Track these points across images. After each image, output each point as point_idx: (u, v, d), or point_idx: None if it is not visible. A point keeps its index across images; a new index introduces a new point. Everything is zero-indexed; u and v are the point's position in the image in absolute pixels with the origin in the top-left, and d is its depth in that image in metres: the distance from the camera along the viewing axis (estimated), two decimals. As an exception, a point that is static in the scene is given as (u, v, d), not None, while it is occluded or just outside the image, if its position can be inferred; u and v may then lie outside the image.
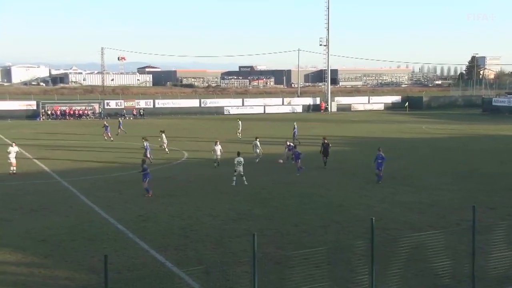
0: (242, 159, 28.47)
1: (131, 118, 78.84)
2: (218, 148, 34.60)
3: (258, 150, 36.41)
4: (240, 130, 52.40)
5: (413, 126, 64.47)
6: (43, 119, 76.25)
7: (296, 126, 48.37)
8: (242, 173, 28.28)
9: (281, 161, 35.14)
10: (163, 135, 41.34)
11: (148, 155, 35.46)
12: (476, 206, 13.81)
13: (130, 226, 20.70)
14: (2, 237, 19.28)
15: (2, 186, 28.68)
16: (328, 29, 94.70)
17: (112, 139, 49.99)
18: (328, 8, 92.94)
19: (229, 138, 48.58)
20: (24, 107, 79.17)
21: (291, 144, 36.85)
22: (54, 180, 30.49)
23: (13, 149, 32.22)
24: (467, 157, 39.22)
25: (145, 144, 36.02)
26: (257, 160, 35.62)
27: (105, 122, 53.68)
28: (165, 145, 41.00)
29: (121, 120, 59.82)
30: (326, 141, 34.26)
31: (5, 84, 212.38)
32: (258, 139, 36.97)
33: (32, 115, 76.94)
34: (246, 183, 28.01)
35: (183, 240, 19.03)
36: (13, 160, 31.87)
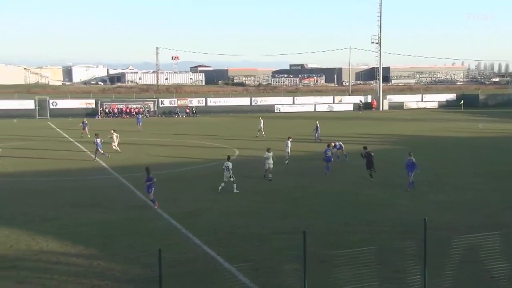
0: (230, 164, 26.22)
1: (184, 116, 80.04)
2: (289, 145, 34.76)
3: (288, 150, 35.02)
4: (262, 129, 51.65)
5: (467, 125, 62.60)
6: (101, 117, 78.28)
7: (318, 125, 47.87)
8: (232, 179, 26.06)
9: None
10: (114, 134, 41.25)
11: (101, 151, 36.49)
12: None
13: (183, 221, 21.03)
14: (63, 230, 19.93)
15: (62, 181, 29.63)
16: (380, 27, 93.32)
17: (89, 135, 49.60)
18: (381, 5, 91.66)
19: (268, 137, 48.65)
20: (84, 106, 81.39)
21: (339, 143, 36.31)
22: (111, 176, 31.26)
23: None
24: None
25: (97, 141, 36.54)
26: (286, 162, 34.32)
27: (84, 120, 55.03)
28: (115, 144, 40.65)
29: (140, 116, 62.76)
30: (367, 150, 30.08)
31: (67, 83, 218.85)
32: (290, 139, 35.89)
33: (91, 113, 78.72)
34: (236, 190, 25.98)
35: (230, 236, 19.20)
36: None
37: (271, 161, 29.17)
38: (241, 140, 48.46)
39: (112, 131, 41.71)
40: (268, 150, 29.52)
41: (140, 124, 58.18)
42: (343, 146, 36.03)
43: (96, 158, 36.52)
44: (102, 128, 50.41)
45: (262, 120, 53.13)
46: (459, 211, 22.60)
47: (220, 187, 26.03)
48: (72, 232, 19.78)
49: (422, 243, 12.26)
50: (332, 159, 32.13)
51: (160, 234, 19.50)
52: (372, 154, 29.45)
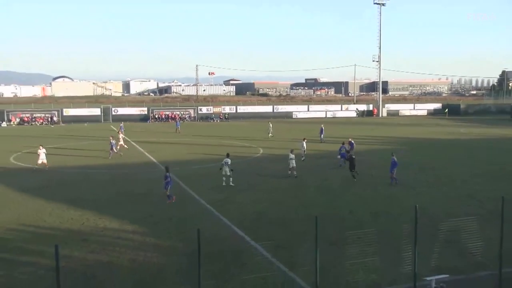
0: (229, 160, 25.34)
1: (218, 121, 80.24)
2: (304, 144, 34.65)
3: (303, 149, 34.57)
4: (271, 131, 51.00)
5: (451, 129, 61.43)
6: (152, 121, 78.94)
7: (323, 128, 47.52)
8: (229, 174, 25.09)
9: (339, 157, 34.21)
10: (120, 136, 40.39)
11: (114, 150, 35.96)
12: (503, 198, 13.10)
13: (217, 207, 21.13)
14: (122, 212, 20.23)
15: (121, 173, 29.97)
16: (380, 48, 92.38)
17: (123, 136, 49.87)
18: (380, 30, 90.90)
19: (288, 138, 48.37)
20: (138, 112, 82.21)
21: (352, 141, 35.49)
22: (159, 169, 31.42)
23: (42, 151, 31.11)
24: (495, 156, 37.24)
25: (111, 141, 36.13)
26: (302, 159, 33.47)
27: (121, 124, 55.11)
28: (120, 144, 39.02)
29: (178, 121, 61.69)
30: (350, 153, 28.29)
31: (125, 94, 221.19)
32: (305, 140, 35.66)
33: (144, 118, 79.70)
34: (232, 184, 25.08)
35: (254, 221, 19.18)
36: (44, 160, 30.96)
37: (294, 161, 28.05)
38: (265, 140, 48.19)
39: (118, 133, 41.40)
40: (292, 152, 28.25)
41: (179, 127, 58.39)
42: (354, 145, 35.10)
43: (111, 156, 35.71)
44: (150, 130, 50.78)
45: (271, 124, 52.63)
46: (454, 203, 22.02)
47: (224, 183, 25.22)
48: (129, 213, 20.05)
49: (414, 226, 12.13)
50: (346, 155, 31.80)
51: (199, 217, 19.66)
52: (354, 157, 27.64)
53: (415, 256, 11.95)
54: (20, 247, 15.99)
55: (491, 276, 13.04)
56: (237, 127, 68.03)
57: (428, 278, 11.13)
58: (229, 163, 25.36)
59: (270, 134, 50.83)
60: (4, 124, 71.67)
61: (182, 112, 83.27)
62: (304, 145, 34.94)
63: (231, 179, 25.32)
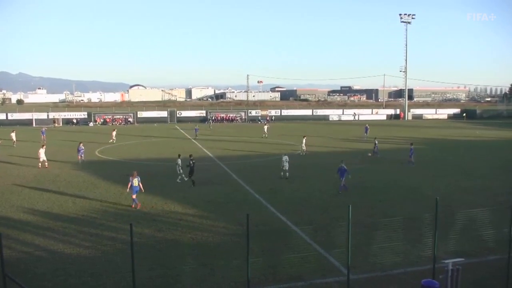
0: (179, 161, 24.43)
1: (265, 122, 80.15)
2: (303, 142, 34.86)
3: (303, 146, 35.13)
4: (265, 132, 50.62)
5: (468, 131, 58.80)
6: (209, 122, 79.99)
7: (368, 127, 46.67)
8: (180, 171, 24.26)
9: (370, 154, 33.65)
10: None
11: (81, 156, 31.14)
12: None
13: (264, 196, 21.16)
14: (185, 198, 20.65)
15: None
16: (406, 60, 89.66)
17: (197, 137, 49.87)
18: (406, 45, 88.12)
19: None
20: (198, 115, 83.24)
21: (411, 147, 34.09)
22: (215, 163, 31.82)
23: (42, 150, 29.72)
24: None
25: (80, 147, 31.45)
26: (300, 153, 34.33)
27: (196, 126, 54.41)
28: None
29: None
30: (192, 158, 24.00)
31: (188, 100, 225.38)
32: (305, 138, 36.04)
33: (202, 120, 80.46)
34: (178, 181, 24.10)
35: (299, 207, 19.11)
36: (43, 158, 29.41)
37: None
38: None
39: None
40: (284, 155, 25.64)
41: (211, 127, 59.36)
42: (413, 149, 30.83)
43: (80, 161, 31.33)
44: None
45: (266, 126, 52.57)
46: (472, 194, 21.26)
47: (179, 179, 24.29)
48: (190, 199, 20.43)
49: (435, 216, 11.76)
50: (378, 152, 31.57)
51: (248, 204, 19.77)
52: (194, 162, 23.93)
53: (435, 242, 11.58)
54: (103, 224, 16.72)
55: (501, 260, 12.54)
56: (281, 127, 67.55)
57: (446, 261, 10.70)
58: (179, 163, 24.49)
59: (263, 135, 50.01)
60: (91, 124, 75.08)
61: (249, 117, 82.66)
62: (303, 142, 35.23)
63: (179, 177, 24.32)
